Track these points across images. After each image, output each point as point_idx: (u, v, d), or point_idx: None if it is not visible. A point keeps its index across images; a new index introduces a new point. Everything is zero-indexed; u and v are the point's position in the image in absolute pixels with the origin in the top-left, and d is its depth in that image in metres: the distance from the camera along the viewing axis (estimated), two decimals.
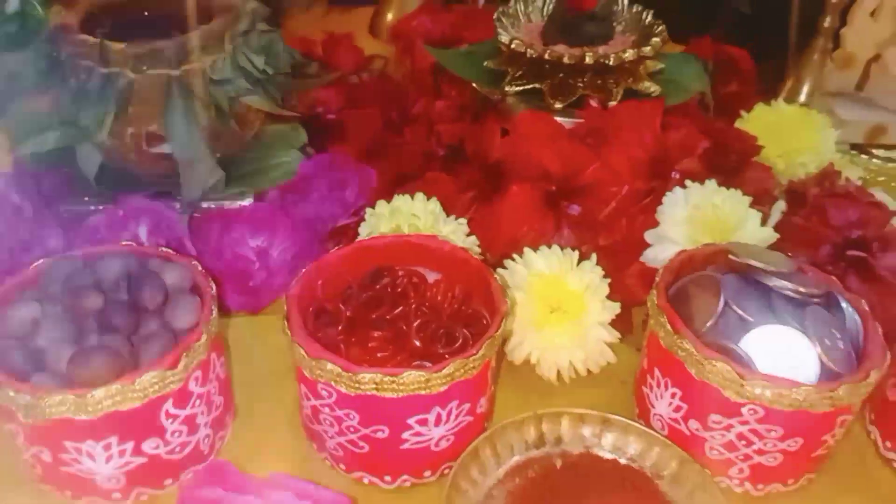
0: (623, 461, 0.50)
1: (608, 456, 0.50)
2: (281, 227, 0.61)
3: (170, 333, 0.45)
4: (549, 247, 0.55)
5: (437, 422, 0.46)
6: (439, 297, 0.51)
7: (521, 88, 0.60)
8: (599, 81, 0.59)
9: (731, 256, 0.50)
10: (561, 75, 0.59)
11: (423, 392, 0.44)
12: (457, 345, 0.47)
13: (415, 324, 0.49)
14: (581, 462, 0.50)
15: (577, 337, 0.53)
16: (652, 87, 0.60)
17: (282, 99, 0.59)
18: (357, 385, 0.43)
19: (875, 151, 0.72)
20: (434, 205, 0.58)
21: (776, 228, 0.61)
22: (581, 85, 0.59)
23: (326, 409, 0.46)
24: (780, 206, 0.64)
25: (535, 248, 0.55)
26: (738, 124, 0.71)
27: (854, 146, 0.72)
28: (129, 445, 0.44)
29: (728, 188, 0.58)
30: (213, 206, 0.60)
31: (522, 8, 0.65)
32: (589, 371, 0.56)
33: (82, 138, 0.53)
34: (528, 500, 0.48)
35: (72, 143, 0.54)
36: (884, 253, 0.60)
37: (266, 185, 0.62)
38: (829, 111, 0.72)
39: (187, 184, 0.55)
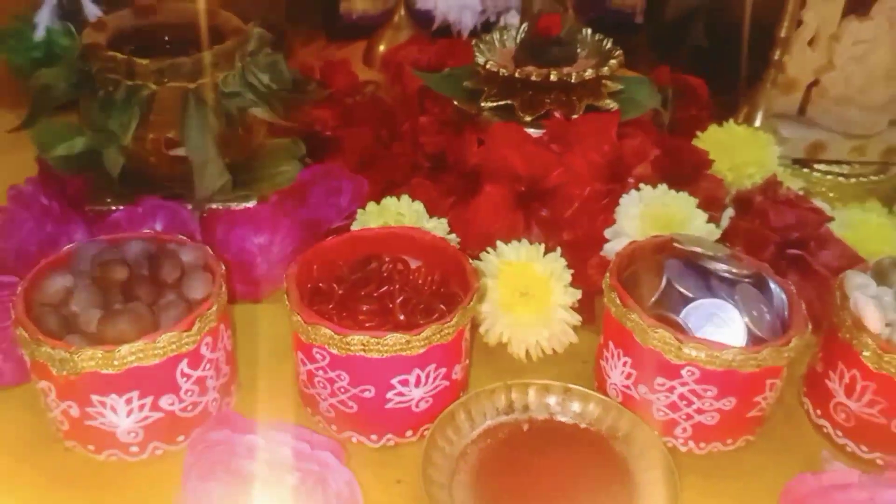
0: (583, 426, 0.56)
1: (569, 421, 0.57)
2: (281, 226, 0.68)
3: (185, 303, 0.51)
4: (519, 241, 0.63)
5: (417, 383, 0.52)
6: (420, 281, 0.58)
7: (496, 104, 0.68)
8: (564, 98, 0.67)
9: (675, 244, 0.58)
10: (530, 92, 0.68)
11: (404, 353, 0.50)
12: (434, 316, 0.54)
13: (398, 300, 0.56)
14: (545, 426, 0.56)
15: (543, 318, 0.60)
16: (611, 104, 0.68)
17: (284, 112, 0.67)
18: (347, 346, 0.50)
19: (815, 166, 0.80)
20: (418, 205, 0.66)
21: (725, 232, 0.68)
22: (548, 101, 0.67)
23: (320, 373, 0.53)
24: (729, 212, 0.72)
25: (507, 242, 0.63)
26: (694, 143, 0.79)
27: (796, 161, 0.80)
28: (148, 400, 0.50)
29: (678, 192, 0.66)
30: (220, 206, 0.67)
31: (498, 36, 0.74)
32: (554, 351, 0.62)
33: (109, 142, 0.61)
34: (498, 457, 0.54)
35: (99, 147, 0.62)
36: (820, 251, 0.68)
37: (268, 190, 0.69)
38: (773, 131, 0.80)
39: (200, 183, 0.63)
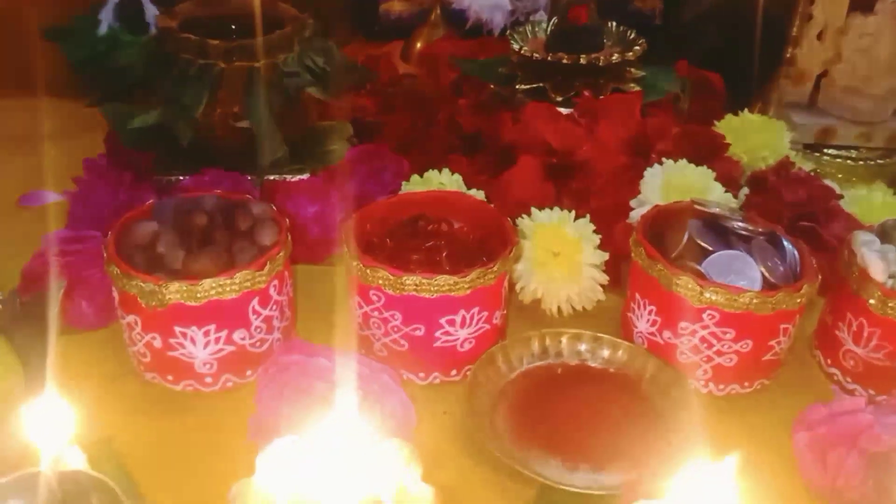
0: (612, 370, 0.62)
1: (599, 366, 0.62)
2: (331, 198, 0.74)
3: (257, 248, 0.57)
4: (551, 209, 0.69)
5: (462, 323, 0.58)
6: (463, 238, 0.64)
7: (529, 87, 0.75)
8: (591, 81, 0.73)
9: (695, 206, 0.63)
10: (560, 76, 0.74)
11: (452, 293, 0.56)
12: (477, 265, 0.59)
13: (444, 254, 0.62)
14: (577, 370, 0.62)
15: (574, 275, 0.66)
16: (634, 87, 0.75)
17: (335, 93, 0.73)
18: (402, 287, 0.56)
19: (825, 150, 0.86)
20: (457, 177, 0.72)
21: (741, 208, 0.74)
22: (577, 83, 0.73)
23: (375, 313, 0.58)
24: (745, 191, 0.77)
25: (540, 209, 0.68)
26: None
27: (807, 146, 0.86)
28: (223, 334, 0.56)
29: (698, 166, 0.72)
30: (277, 178, 0.74)
31: (530, 28, 0.80)
32: (584, 309, 0.68)
33: (181, 115, 0.67)
34: (534, 395, 0.59)
35: (171, 120, 0.68)
36: (829, 223, 0.73)
37: (320, 165, 0.76)
38: (786, 118, 0.86)
39: (261, 153, 0.69)
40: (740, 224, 0.61)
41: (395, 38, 1.06)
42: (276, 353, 0.55)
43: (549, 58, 0.73)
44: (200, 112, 0.67)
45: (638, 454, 0.54)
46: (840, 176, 0.83)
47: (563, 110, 0.73)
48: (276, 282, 0.58)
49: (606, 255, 0.67)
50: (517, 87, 0.75)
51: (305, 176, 0.74)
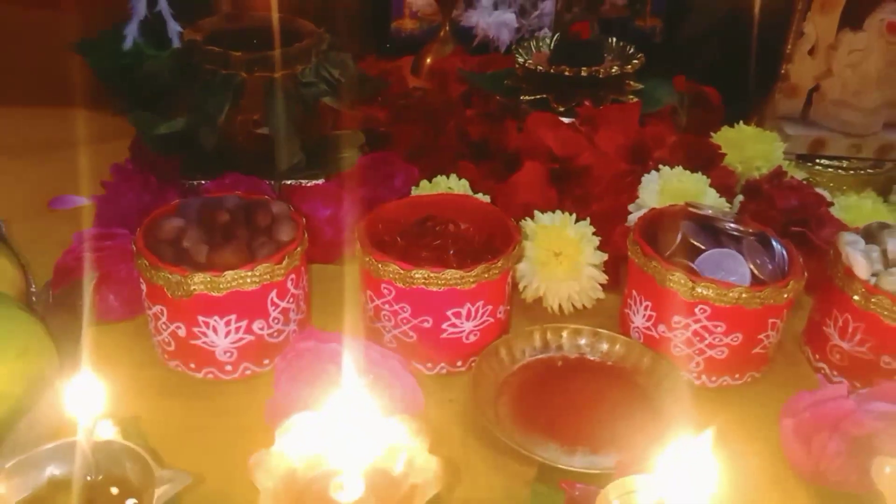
0: (609, 363, 0.65)
1: (598, 360, 0.65)
2: (344, 202, 0.78)
3: (276, 244, 0.61)
4: (553, 212, 0.72)
5: (468, 316, 0.62)
6: (469, 238, 0.68)
7: (533, 98, 0.79)
8: (592, 92, 0.77)
9: (689, 208, 0.67)
10: (563, 87, 0.78)
11: (458, 287, 0.60)
12: (483, 262, 0.63)
13: (451, 252, 0.65)
14: (576, 363, 0.65)
15: (574, 274, 0.69)
16: (633, 99, 0.79)
17: (350, 103, 0.78)
18: (411, 280, 0.60)
19: (817, 160, 0.89)
20: (465, 182, 0.76)
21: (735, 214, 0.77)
22: (578, 94, 0.77)
23: (386, 306, 0.62)
24: (740, 198, 0.81)
25: (543, 212, 0.72)
26: None
27: (800, 156, 0.89)
28: (243, 323, 0.60)
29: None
30: (294, 182, 0.78)
31: (535, 43, 0.85)
32: (584, 307, 0.71)
33: (205, 122, 0.72)
34: (535, 384, 0.63)
35: (196, 127, 0.73)
36: (820, 229, 0.77)
37: (334, 171, 0.80)
38: (779, 130, 0.90)
39: (279, 158, 0.73)
40: (732, 225, 0.64)
41: (406, 54, 1.11)
42: (292, 342, 0.58)
43: (551, 70, 0.77)
44: (223, 119, 0.72)
45: (632, 439, 0.57)
46: (831, 185, 0.87)
47: (565, 119, 0.77)
48: (293, 275, 0.61)
49: (605, 256, 0.71)
50: (522, 97, 0.79)
51: (320, 181, 0.78)
